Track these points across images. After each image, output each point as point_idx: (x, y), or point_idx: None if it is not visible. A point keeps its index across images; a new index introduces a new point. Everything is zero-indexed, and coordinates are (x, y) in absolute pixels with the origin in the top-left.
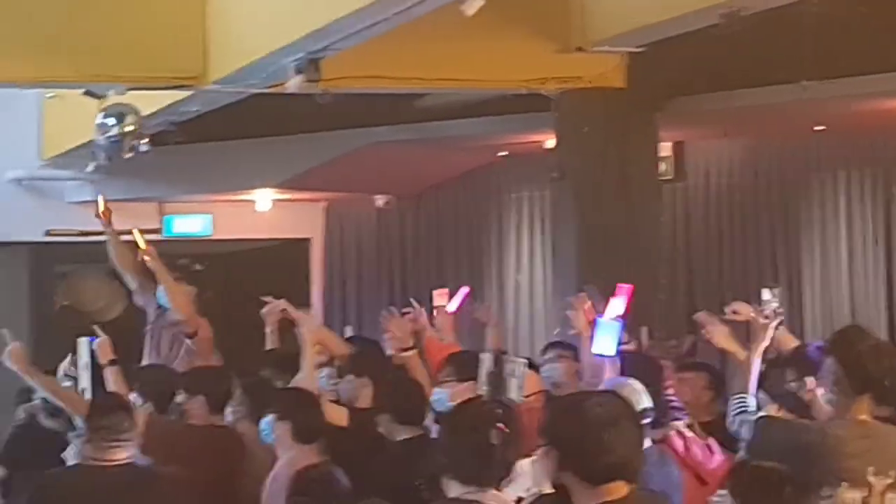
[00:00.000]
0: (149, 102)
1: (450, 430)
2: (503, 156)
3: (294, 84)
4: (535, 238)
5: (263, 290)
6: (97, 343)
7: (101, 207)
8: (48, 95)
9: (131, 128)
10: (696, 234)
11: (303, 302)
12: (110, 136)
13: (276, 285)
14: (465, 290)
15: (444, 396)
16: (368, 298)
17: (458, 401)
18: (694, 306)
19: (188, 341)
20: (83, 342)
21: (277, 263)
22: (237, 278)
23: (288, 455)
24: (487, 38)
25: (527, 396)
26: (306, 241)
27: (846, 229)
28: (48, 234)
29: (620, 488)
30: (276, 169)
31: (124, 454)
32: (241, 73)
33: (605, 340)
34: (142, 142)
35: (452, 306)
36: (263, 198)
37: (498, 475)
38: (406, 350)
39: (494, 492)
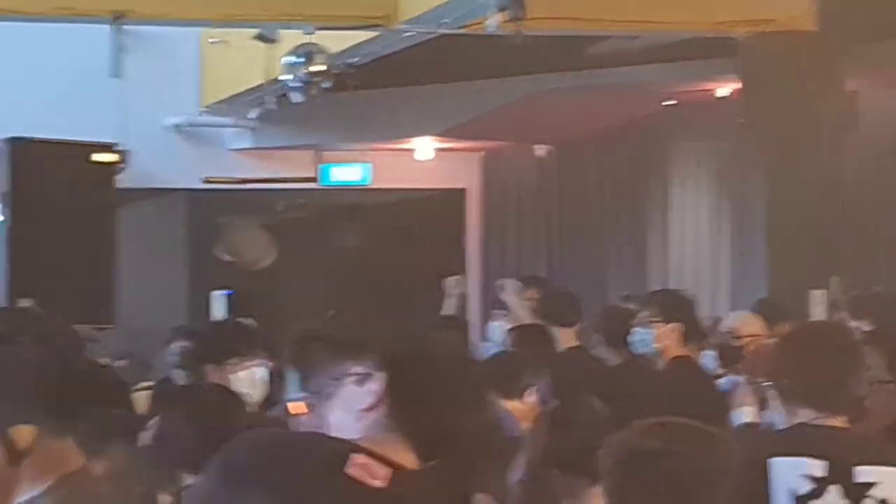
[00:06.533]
0: (332, 43)
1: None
2: (669, 105)
3: (493, 23)
4: (700, 191)
5: (420, 240)
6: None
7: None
8: (210, 40)
9: (321, 67)
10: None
11: (458, 253)
12: (298, 76)
13: (432, 236)
14: None
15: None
16: (526, 250)
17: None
18: None
19: None
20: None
21: (434, 214)
22: (394, 228)
23: None
24: None
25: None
26: (462, 191)
27: None
28: (206, 181)
29: None
30: (437, 117)
31: None
32: (434, 13)
33: None
34: (326, 83)
35: None
36: (424, 147)
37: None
38: None
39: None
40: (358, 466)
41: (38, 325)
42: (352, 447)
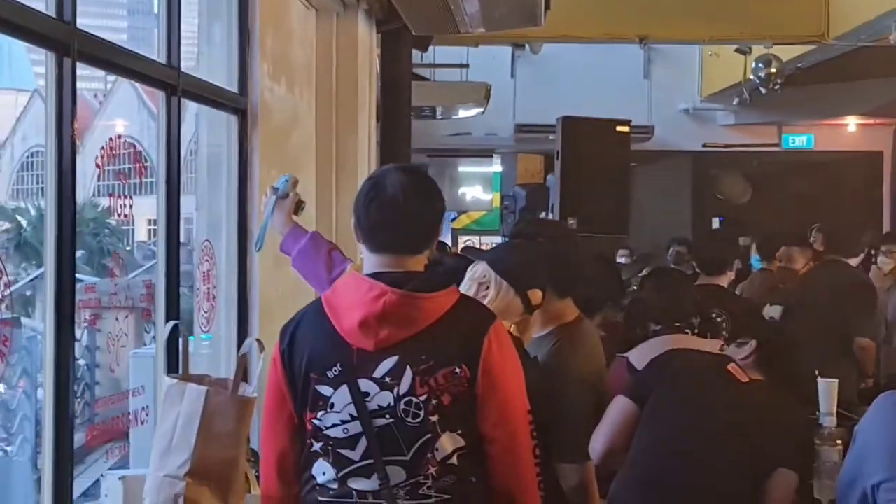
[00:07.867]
0: (785, 53)
1: None
2: None
3: (894, 38)
4: None
5: (844, 192)
6: None
7: None
8: (709, 53)
9: (773, 70)
10: None
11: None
12: (760, 76)
13: (852, 190)
14: None
15: None
16: None
17: None
18: None
19: None
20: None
21: (853, 174)
22: (830, 181)
23: None
24: None
25: None
26: (880, 153)
27: None
28: (704, 146)
29: None
30: (863, 101)
31: None
32: (854, 31)
33: None
34: (780, 80)
35: None
36: (851, 123)
37: None
38: None
39: None
40: (734, 368)
41: (552, 231)
42: (729, 360)
